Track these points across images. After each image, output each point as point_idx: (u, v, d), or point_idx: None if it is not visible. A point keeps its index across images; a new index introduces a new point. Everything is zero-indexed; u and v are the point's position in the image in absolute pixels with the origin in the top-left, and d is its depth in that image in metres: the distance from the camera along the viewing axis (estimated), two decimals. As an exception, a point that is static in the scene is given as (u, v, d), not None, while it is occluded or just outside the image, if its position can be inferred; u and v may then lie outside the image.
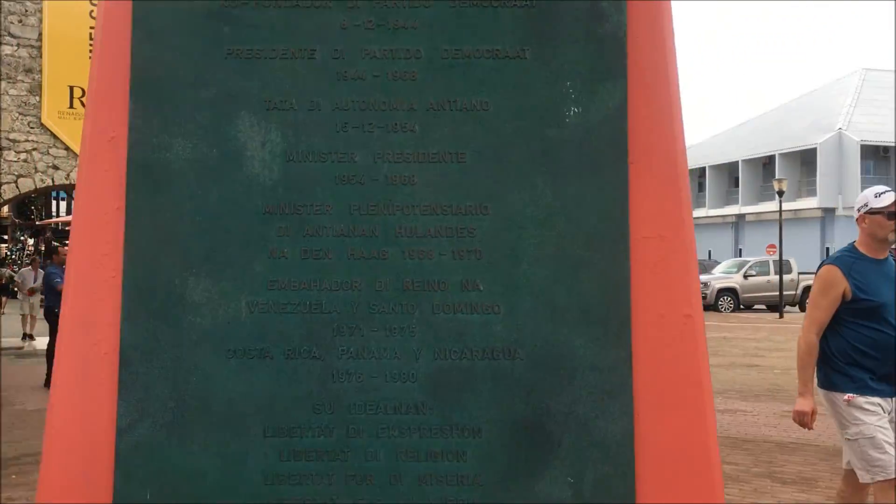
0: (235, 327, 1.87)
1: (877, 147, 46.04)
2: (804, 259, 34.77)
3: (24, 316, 17.99)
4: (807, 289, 26.79)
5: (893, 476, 4.04)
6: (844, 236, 45.20)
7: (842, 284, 4.27)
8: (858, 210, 4.42)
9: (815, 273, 4.57)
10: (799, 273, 31.31)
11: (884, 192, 4.35)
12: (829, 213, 46.29)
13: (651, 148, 1.90)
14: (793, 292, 30.86)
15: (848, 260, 4.38)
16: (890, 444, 4.10)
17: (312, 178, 1.90)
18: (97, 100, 1.92)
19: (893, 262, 4.47)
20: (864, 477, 4.18)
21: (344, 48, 1.92)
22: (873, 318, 4.25)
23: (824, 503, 6.12)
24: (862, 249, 4.38)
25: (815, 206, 46.51)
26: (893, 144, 45.79)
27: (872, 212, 4.32)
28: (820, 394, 4.44)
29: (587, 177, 1.88)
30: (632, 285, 1.86)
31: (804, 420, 4.38)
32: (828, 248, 45.64)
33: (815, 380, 4.42)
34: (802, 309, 27.33)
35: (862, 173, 45.54)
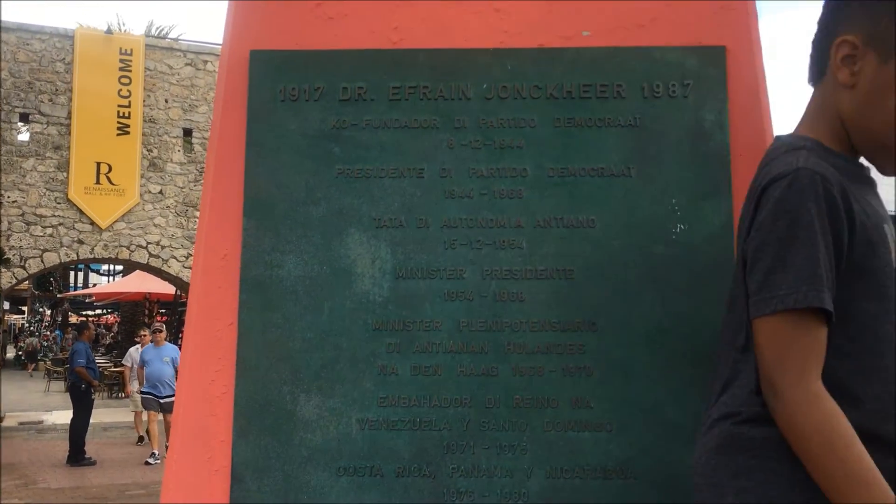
0: (346, 444, 1.87)
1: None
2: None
3: (136, 413, 13.62)
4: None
5: None
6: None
7: None
8: None
9: None
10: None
11: None
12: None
13: (757, 264, 1.91)
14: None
15: None
16: None
17: (422, 294, 1.92)
18: (211, 217, 1.96)
19: None
20: None
21: (451, 167, 1.96)
22: None
23: None
24: None
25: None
26: None
27: None
28: None
29: (695, 294, 1.89)
30: (744, 403, 1.84)
31: None
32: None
33: None
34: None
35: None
